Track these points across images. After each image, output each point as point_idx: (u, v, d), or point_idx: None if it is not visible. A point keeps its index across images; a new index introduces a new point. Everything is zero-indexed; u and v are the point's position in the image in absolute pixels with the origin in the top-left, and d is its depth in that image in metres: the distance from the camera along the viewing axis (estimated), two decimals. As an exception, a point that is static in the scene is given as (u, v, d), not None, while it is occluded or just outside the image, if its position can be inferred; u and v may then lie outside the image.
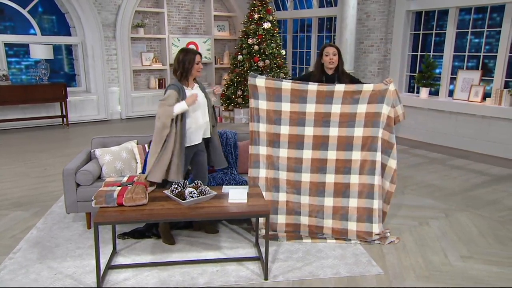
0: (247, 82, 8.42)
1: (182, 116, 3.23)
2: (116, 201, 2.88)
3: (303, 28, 10.00)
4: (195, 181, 3.19)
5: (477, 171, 5.61)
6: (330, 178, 3.48)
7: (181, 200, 2.94)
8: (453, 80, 7.04)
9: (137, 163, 3.94)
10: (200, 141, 3.40)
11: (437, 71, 7.17)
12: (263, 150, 3.53)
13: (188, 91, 3.33)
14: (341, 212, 3.51)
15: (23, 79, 8.54)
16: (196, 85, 3.44)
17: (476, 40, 6.86)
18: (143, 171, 3.82)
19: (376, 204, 3.47)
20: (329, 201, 3.51)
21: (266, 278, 2.92)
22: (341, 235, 3.53)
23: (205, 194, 3.01)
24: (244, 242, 3.46)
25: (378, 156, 3.45)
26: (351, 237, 3.52)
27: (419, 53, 7.57)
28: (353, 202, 3.50)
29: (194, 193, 2.98)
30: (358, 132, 3.44)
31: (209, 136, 3.49)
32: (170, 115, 3.12)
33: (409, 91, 7.86)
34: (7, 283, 2.83)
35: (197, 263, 3.10)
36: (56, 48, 8.53)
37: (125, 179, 3.19)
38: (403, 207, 4.29)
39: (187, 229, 3.63)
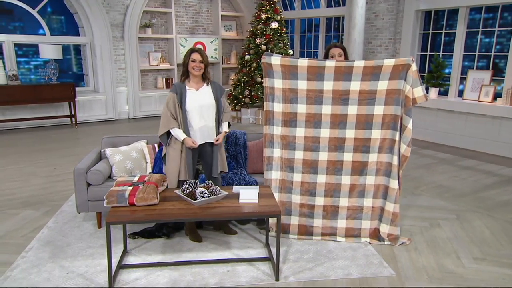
0: (254, 82, 8.51)
1: (184, 117, 3.29)
2: (128, 200, 2.88)
3: (311, 28, 9.97)
4: (206, 181, 3.18)
5: (488, 172, 5.56)
6: (348, 157, 3.41)
7: (192, 200, 2.93)
8: (463, 80, 6.98)
9: (147, 162, 3.94)
10: (201, 142, 3.35)
11: (447, 71, 7.11)
12: (277, 130, 3.46)
13: (191, 92, 3.29)
14: (358, 189, 3.47)
15: (32, 79, 8.60)
16: (204, 85, 3.36)
17: (487, 40, 6.80)
18: (153, 171, 3.83)
19: (394, 183, 3.38)
20: (346, 179, 3.45)
21: (277, 279, 2.90)
22: (356, 213, 3.49)
23: (216, 194, 3.01)
24: (255, 243, 3.46)
25: (398, 136, 3.34)
26: (365, 213, 3.47)
27: (428, 53, 7.51)
28: (370, 180, 3.44)
29: (205, 193, 2.98)
30: (379, 110, 3.33)
31: (211, 140, 3.39)
32: (167, 128, 3.28)
33: (417, 91, 7.79)
34: (20, 282, 2.85)
35: (207, 263, 3.10)
36: (65, 48, 8.58)
37: (136, 178, 3.19)
38: (413, 208, 4.25)
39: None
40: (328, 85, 3.31)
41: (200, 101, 3.31)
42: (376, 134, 3.37)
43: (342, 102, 3.35)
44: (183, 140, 3.27)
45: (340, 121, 3.37)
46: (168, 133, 3.34)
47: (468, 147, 6.74)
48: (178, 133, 3.27)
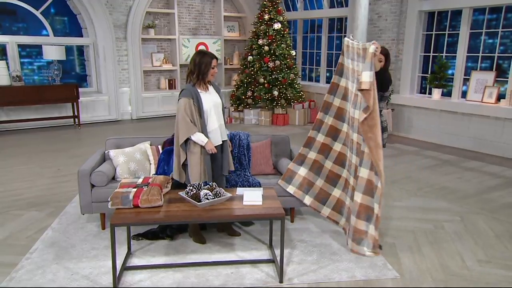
0: (257, 83, 8.52)
1: (202, 119, 3.28)
2: (132, 202, 2.89)
3: (313, 28, 9.96)
4: (210, 183, 3.19)
5: (491, 173, 5.54)
6: (353, 136, 3.48)
7: (196, 202, 2.93)
8: (466, 81, 6.96)
9: (150, 164, 3.95)
10: (220, 143, 3.40)
11: (450, 72, 7.10)
12: (336, 101, 3.76)
13: (203, 95, 3.33)
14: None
15: (35, 80, 8.63)
16: (210, 87, 3.44)
17: (490, 41, 6.78)
18: (157, 172, 3.84)
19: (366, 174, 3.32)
20: (351, 157, 3.51)
21: (281, 281, 2.90)
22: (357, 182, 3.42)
23: (220, 196, 3.01)
24: (258, 244, 3.46)
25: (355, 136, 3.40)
26: (360, 184, 3.31)
27: (431, 54, 7.50)
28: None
29: (209, 195, 2.98)
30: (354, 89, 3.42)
31: (226, 138, 3.49)
32: (189, 134, 3.23)
33: (421, 92, 7.79)
34: (25, 283, 2.86)
35: (211, 265, 3.10)
36: (68, 49, 8.60)
37: (140, 180, 3.20)
38: (417, 210, 4.24)
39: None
40: (353, 64, 3.45)
41: (213, 101, 3.37)
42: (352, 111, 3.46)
43: (353, 80, 3.51)
44: (206, 143, 3.26)
45: (355, 99, 3.48)
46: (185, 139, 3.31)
47: (472, 148, 6.72)
48: (201, 137, 3.25)
